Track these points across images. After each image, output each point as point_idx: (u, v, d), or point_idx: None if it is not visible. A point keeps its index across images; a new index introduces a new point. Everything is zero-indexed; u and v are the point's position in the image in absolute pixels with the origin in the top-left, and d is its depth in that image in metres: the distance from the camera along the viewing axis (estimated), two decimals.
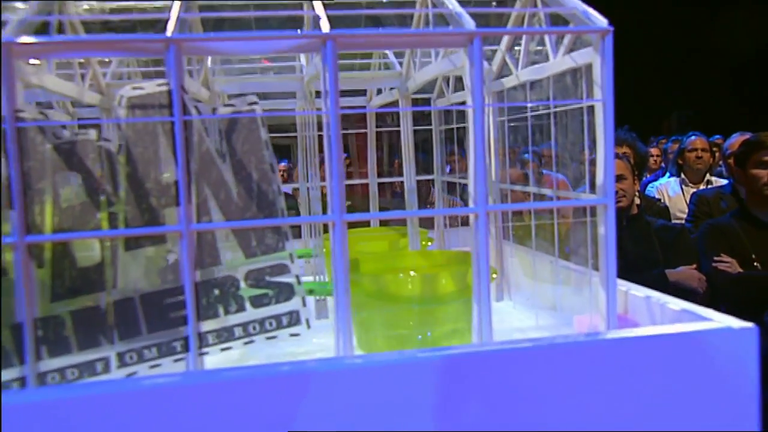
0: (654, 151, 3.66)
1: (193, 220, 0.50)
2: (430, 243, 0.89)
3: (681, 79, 7.29)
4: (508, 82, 0.74)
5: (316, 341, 0.72)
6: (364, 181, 1.03)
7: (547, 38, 0.65)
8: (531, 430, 0.47)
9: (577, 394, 0.48)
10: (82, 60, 0.73)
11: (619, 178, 1.95)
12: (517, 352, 0.48)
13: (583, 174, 0.68)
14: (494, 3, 0.74)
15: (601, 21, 0.54)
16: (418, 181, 1.06)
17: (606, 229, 0.55)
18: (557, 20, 0.59)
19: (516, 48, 0.75)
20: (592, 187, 0.59)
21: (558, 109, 0.67)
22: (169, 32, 0.48)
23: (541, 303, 0.80)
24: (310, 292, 0.69)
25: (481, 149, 0.52)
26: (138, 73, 0.85)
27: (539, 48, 0.76)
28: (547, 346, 0.49)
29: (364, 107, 1.01)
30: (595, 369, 0.48)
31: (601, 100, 0.55)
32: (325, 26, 0.50)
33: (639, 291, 0.64)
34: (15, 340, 0.46)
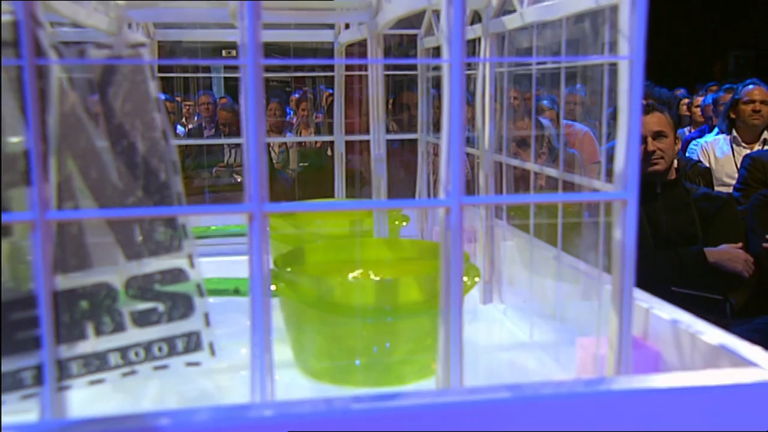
0: (702, 100, 3.56)
1: (51, 206, 0.43)
2: (404, 223, 0.82)
3: (740, 10, 7.07)
4: (511, 21, 0.65)
5: (245, 351, 0.66)
6: (329, 138, 0.95)
7: None
8: None
9: None
10: None
11: (658, 135, 1.88)
12: (489, 405, 0.41)
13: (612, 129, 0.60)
14: None
15: None
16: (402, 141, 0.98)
17: (624, 234, 0.48)
18: None
19: None
20: (609, 173, 0.51)
21: (569, 65, 0.59)
22: None
23: (539, 308, 0.73)
24: (236, 291, 0.62)
25: (458, 122, 0.44)
26: None
27: None
28: (531, 399, 0.42)
29: (332, 43, 0.92)
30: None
31: (628, 57, 0.47)
32: None
33: (664, 311, 0.57)
34: None
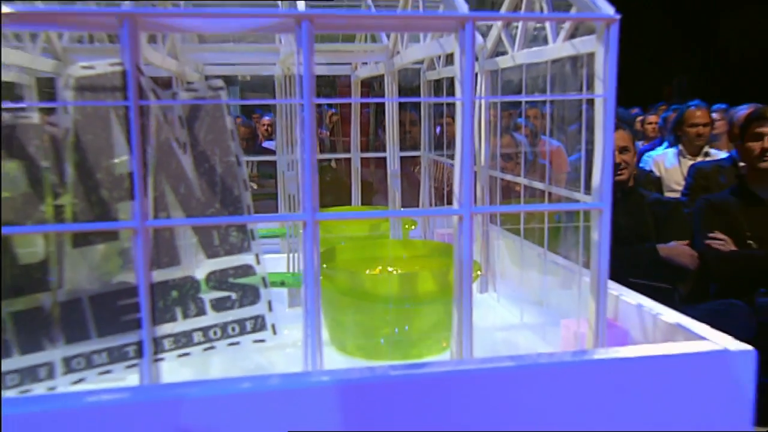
0: (653, 118, 3.62)
1: (149, 215, 0.47)
2: (413, 227, 0.86)
3: (686, 40, 7.17)
4: (503, 61, 0.70)
5: (287, 332, 0.70)
6: (346, 155, 1.00)
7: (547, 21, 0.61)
8: None
9: (561, 418, 0.46)
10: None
11: (622, 150, 1.93)
12: (497, 372, 0.46)
13: (580, 141, 0.65)
14: None
15: (607, 8, 0.50)
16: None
17: (600, 236, 0.52)
18: (559, 3, 0.55)
19: (514, 24, 0.70)
20: (587, 186, 0.56)
21: (555, 97, 0.64)
22: (124, 5, 0.44)
23: (528, 296, 0.78)
24: (282, 284, 0.66)
25: (469, 147, 0.49)
26: (102, 36, 0.79)
27: (538, 25, 0.72)
28: (531, 366, 0.46)
29: (348, 76, 0.97)
30: (581, 391, 0.46)
31: (602, 95, 0.51)
32: (301, 4, 0.46)
33: (630, 297, 0.61)
34: None
